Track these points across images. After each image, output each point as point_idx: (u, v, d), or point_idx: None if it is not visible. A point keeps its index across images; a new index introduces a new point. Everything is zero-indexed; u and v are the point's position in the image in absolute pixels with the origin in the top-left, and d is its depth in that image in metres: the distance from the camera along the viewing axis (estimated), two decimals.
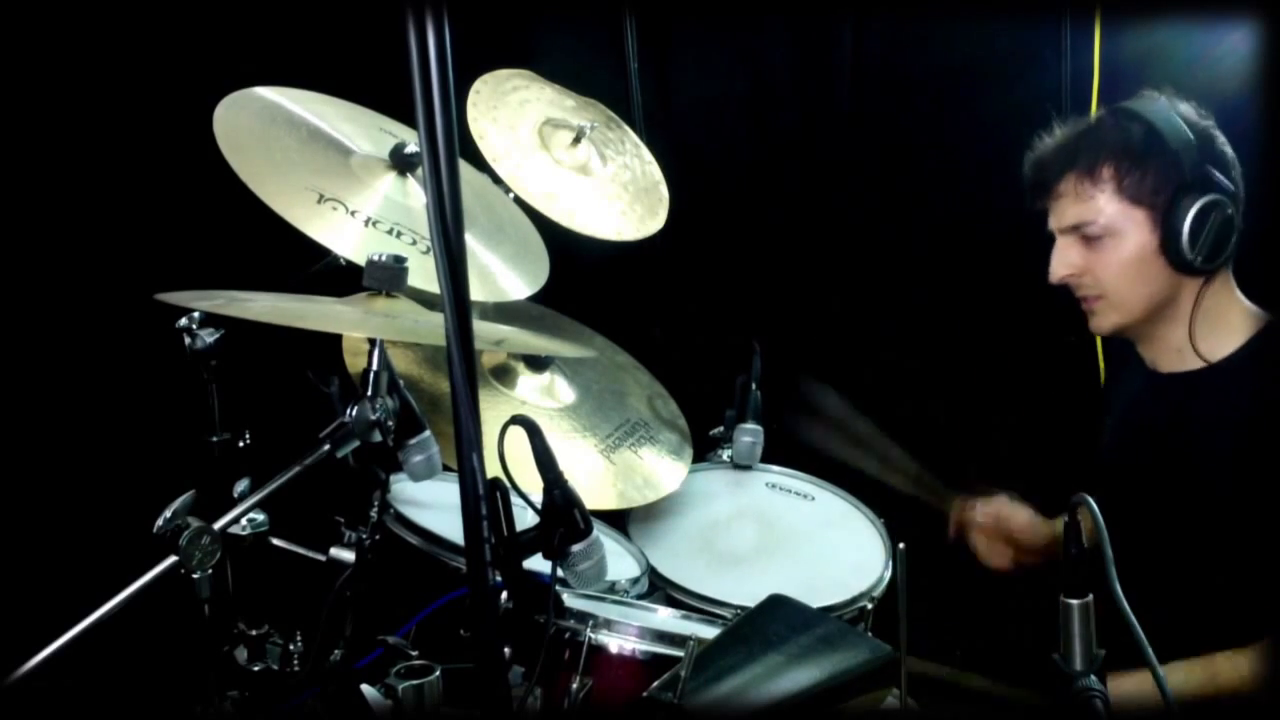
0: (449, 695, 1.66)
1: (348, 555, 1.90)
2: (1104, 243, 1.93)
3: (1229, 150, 1.95)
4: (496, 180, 2.29)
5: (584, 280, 2.59)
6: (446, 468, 1.77)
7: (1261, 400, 1.88)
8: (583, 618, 1.78)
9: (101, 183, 2.54)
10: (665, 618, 1.95)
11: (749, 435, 2.56)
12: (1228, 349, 1.96)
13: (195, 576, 1.57)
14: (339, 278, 1.92)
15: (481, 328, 1.91)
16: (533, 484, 1.68)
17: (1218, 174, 1.90)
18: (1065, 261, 1.99)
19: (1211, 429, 1.92)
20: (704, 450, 2.62)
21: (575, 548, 1.67)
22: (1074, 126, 2.00)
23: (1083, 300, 2.02)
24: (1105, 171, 1.92)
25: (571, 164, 2.44)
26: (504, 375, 2.34)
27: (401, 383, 1.73)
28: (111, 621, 1.48)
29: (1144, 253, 1.91)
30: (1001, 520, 2.35)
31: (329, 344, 2.01)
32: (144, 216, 2.58)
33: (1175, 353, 2.00)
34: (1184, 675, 1.87)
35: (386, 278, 1.73)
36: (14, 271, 2.44)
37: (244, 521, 1.86)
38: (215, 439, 1.94)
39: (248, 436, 1.96)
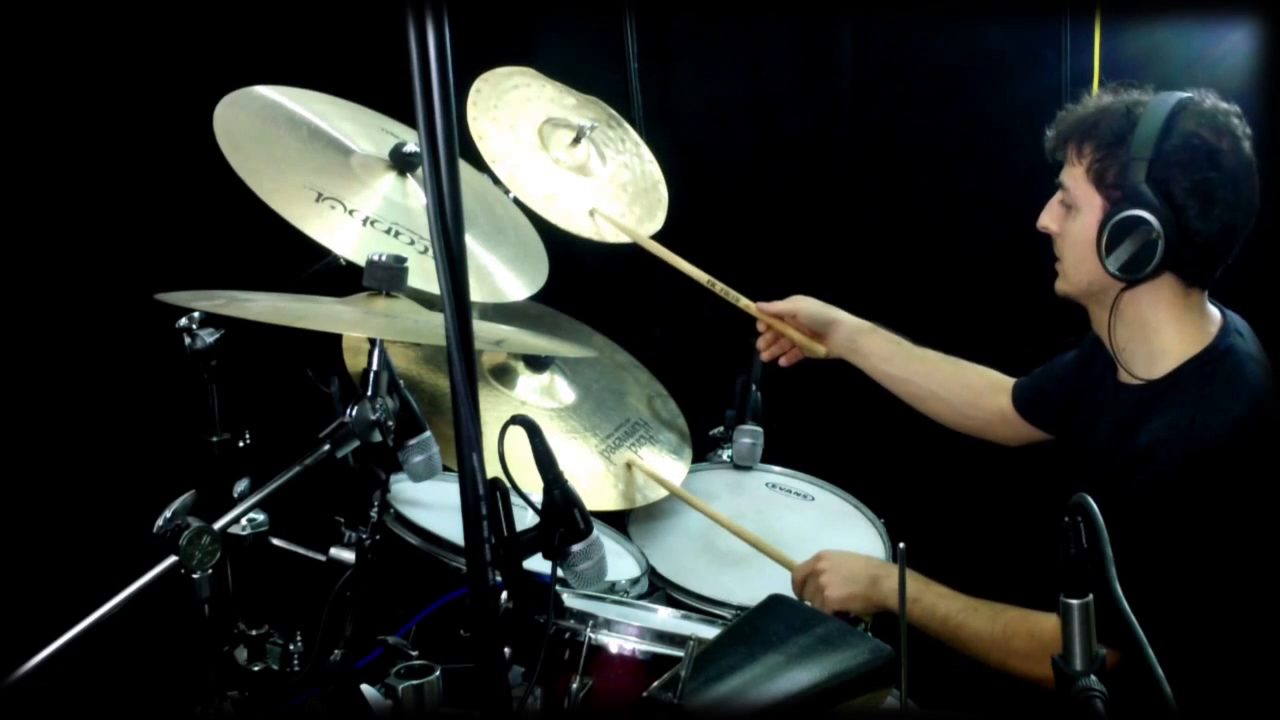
0: (449, 695, 1.65)
1: (348, 555, 1.91)
2: (1072, 213, 1.98)
3: (1223, 173, 1.86)
4: (496, 181, 2.29)
5: (584, 280, 2.59)
6: (446, 468, 1.77)
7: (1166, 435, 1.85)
8: (583, 618, 1.78)
9: (102, 182, 2.54)
10: (665, 618, 1.95)
11: (749, 436, 2.56)
12: (1155, 372, 1.94)
13: (195, 576, 1.57)
14: (339, 278, 1.92)
15: (481, 328, 1.91)
16: (533, 484, 1.68)
17: (1174, 192, 1.86)
18: (1047, 215, 2.04)
19: (1144, 453, 1.87)
20: (704, 450, 2.62)
21: (575, 548, 1.67)
22: (1101, 99, 2.01)
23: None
24: (1087, 148, 1.95)
25: (571, 164, 2.43)
26: (504, 375, 2.34)
27: (401, 383, 1.73)
28: (111, 621, 1.48)
29: (1088, 235, 1.94)
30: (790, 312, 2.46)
31: (329, 344, 2.01)
32: (144, 216, 2.58)
33: (1118, 355, 2.00)
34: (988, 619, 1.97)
35: (386, 278, 1.73)
36: (14, 271, 2.44)
37: (244, 521, 1.87)
38: (215, 439, 1.94)
39: (248, 436, 1.96)
